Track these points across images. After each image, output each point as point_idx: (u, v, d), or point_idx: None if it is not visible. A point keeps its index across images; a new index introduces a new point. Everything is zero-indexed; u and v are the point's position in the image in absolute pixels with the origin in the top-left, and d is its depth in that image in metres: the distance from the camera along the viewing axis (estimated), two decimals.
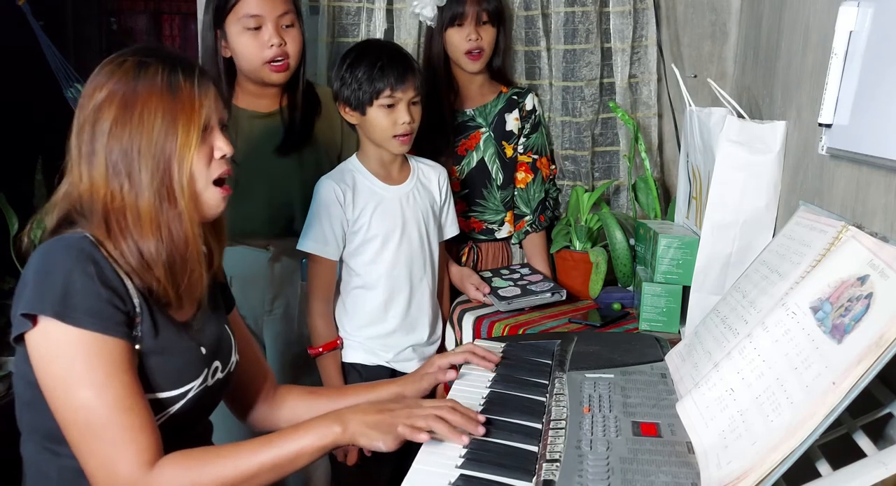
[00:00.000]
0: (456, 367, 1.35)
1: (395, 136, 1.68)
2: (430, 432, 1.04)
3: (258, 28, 1.69)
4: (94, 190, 1.04)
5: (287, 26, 1.71)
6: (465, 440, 1.04)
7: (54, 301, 0.96)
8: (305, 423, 1.07)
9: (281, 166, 1.79)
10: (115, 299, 0.99)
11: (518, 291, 1.87)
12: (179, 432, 1.10)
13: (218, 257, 1.19)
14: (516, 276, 1.96)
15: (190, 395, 1.09)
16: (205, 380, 1.12)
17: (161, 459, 0.99)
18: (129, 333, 1.01)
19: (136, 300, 1.03)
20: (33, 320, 0.97)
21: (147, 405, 1.01)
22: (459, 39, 1.94)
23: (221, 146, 1.10)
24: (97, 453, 0.97)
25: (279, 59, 1.71)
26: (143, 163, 1.03)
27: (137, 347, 1.03)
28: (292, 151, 1.80)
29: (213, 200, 1.10)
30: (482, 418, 1.09)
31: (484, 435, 1.07)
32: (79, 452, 0.98)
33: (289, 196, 1.80)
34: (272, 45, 1.69)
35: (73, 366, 0.97)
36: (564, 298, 1.87)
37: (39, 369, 0.99)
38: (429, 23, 1.98)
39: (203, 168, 1.08)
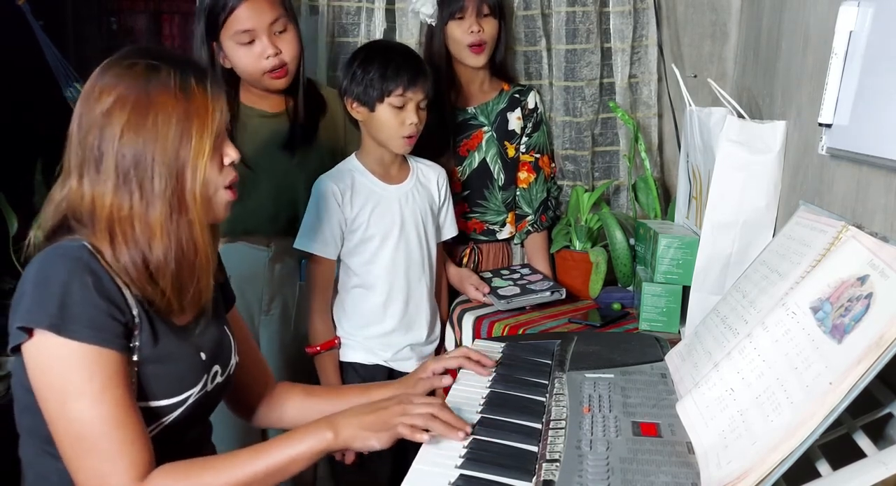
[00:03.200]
0: (455, 370, 1.35)
1: (400, 136, 1.68)
2: (428, 431, 1.04)
3: (252, 41, 1.68)
4: (97, 197, 1.01)
5: (280, 32, 1.70)
6: (461, 435, 1.04)
7: (51, 314, 0.95)
8: (298, 430, 1.06)
9: (286, 165, 1.80)
10: (113, 310, 0.98)
11: (517, 290, 1.87)
12: (178, 436, 1.10)
13: (215, 260, 1.16)
14: (516, 276, 1.96)
15: (190, 401, 1.08)
16: (204, 385, 1.12)
17: (153, 472, 0.98)
18: (126, 344, 1.00)
19: (135, 310, 1.02)
20: (30, 332, 0.96)
21: (140, 417, 1.00)
22: (461, 33, 1.92)
23: (231, 153, 1.09)
24: (89, 466, 0.96)
25: (277, 68, 1.71)
26: (157, 170, 1.01)
27: (136, 357, 1.02)
28: (295, 148, 1.80)
29: (222, 203, 1.09)
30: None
31: (484, 435, 1.07)
32: (70, 464, 0.98)
33: (293, 194, 1.81)
34: (268, 57, 1.69)
35: (69, 378, 0.96)
36: (564, 296, 1.87)
37: (35, 380, 0.98)
38: (428, 20, 1.97)
39: (215, 175, 1.06)
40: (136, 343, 1.02)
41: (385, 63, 1.66)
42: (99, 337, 0.96)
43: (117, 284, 1.00)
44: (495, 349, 1.44)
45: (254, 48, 1.68)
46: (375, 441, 1.05)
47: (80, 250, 0.99)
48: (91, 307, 0.96)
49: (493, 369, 1.33)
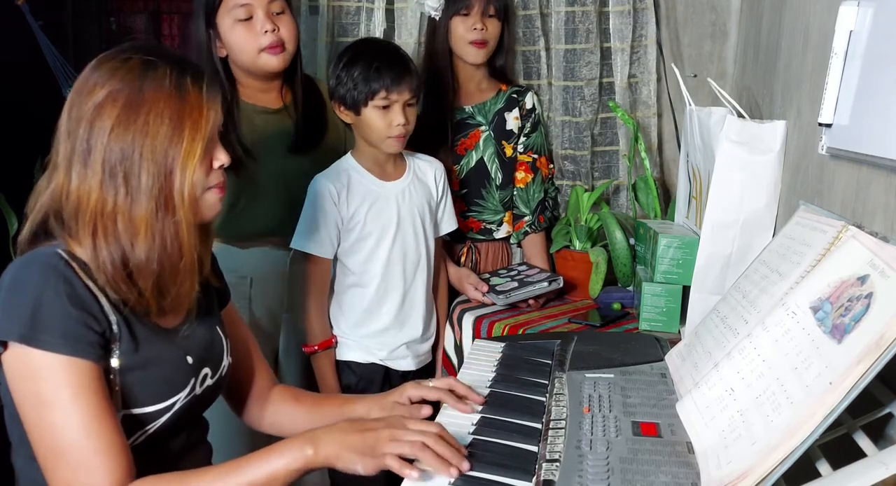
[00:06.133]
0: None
1: (389, 137, 1.68)
2: (416, 465, 0.95)
3: (249, 18, 1.67)
4: (83, 193, 0.99)
5: (277, 13, 1.70)
6: (454, 473, 0.95)
7: (22, 324, 0.93)
8: (277, 445, 1.01)
9: (295, 164, 1.80)
10: (87, 319, 0.96)
11: (515, 284, 1.87)
12: (169, 440, 1.08)
13: (207, 263, 1.14)
14: (513, 272, 1.97)
15: (177, 407, 1.07)
16: (192, 389, 1.10)
17: (129, 485, 0.96)
18: (101, 354, 0.98)
19: (112, 317, 0.99)
20: (3, 344, 0.95)
21: (118, 427, 0.98)
22: (464, 29, 1.93)
23: (221, 157, 1.06)
24: (63, 476, 0.95)
25: (275, 44, 1.70)
26: (145, 167, 0.98)
27: (116, 365, 1.00)
28: (306, 148, 1.80)
29: (210, 203, 1.07)
30: (465, 451, 1.00)
31: (484, 435, 1.07)
32: (46, 474, 0.96)
33: (305, 194, 1.81)
34: (266, 32, 1.68)
35: (42, 388, 0.94)
36: (562, 285, 1.87)
37: (13, 390, 0.97)
38: (433, 13, 1.96)
39: (203, 177, 1.04)
40: (115, 351, 1.00)
41: (367, 65, 1.65)
42: (71, 347, 0.94)
43: (92, 291, 0.98)
44: (495, 349, 1.44)
45: (251, 25, 1.68)
46: (360, 467, 0.97)
47: (54, 257, 0.97)
48: (64, 316, 0.94)
49: (479, 408, 1.17)
